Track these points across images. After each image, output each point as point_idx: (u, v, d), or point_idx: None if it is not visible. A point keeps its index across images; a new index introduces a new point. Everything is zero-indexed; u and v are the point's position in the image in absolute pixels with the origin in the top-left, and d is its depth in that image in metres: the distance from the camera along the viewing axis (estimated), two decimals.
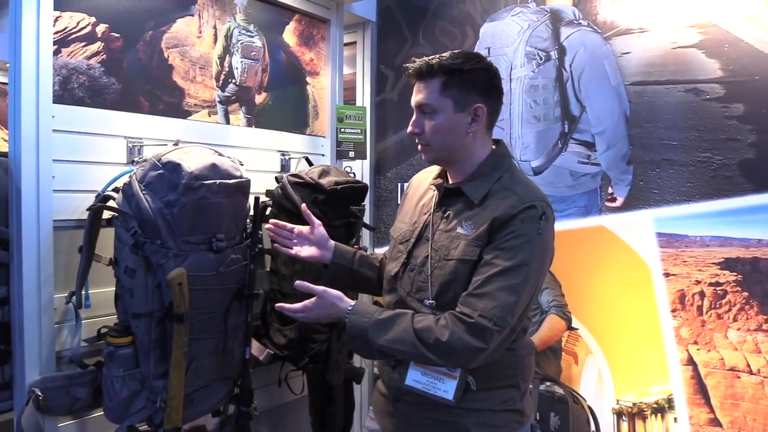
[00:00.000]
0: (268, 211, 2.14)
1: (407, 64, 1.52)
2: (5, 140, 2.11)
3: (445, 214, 1.52)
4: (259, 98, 2.35)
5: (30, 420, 1.60)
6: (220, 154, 1.75)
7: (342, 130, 2.61)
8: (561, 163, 2.35)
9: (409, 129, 1.53)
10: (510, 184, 1.47)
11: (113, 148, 1.86)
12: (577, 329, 2.33)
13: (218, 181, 1.66)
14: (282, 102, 2.45)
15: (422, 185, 1.65)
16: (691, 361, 2.09)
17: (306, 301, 1.50)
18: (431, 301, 1.47)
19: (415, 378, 1.48)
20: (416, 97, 1.51)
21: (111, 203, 1.68)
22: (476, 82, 1.46)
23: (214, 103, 2.18)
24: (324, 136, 2.65)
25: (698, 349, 2.08)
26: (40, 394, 1.63)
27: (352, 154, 2.63)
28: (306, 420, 2.33)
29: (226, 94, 2.22)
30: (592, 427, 2.30)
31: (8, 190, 1.67)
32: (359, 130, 2.64)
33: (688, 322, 2.10)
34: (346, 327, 1.47)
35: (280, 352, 2.14)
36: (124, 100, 1.90)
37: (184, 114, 2.08)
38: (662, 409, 2.15)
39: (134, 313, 1.64)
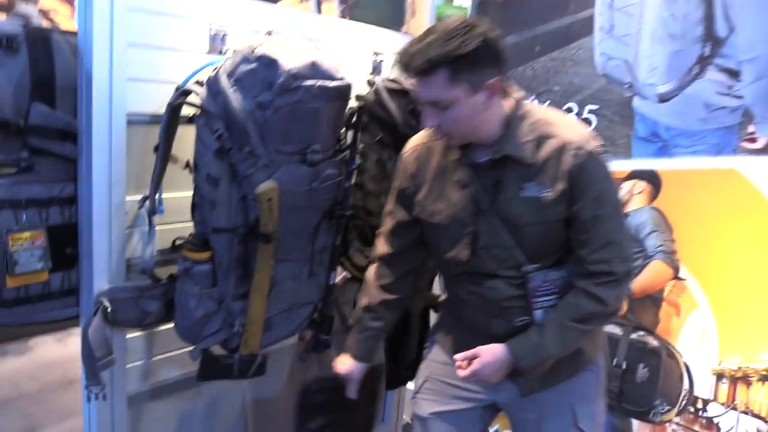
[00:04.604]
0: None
1: (398, 58, 1.37)
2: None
3: (496, 183, 1.45)
4: None
5: (98, 332, 1.47)
6: (319, 50, 1.50)
7: None
8: (694, 91, 2.01)
9: (426, 125, 1.44)
10: (546, 129, 1.43)
11: (193, 35, 1.61)
12: (684, 279, 2.10)
13: (318, 83, 1.42)
14: None
15: (433, 157, 1.54)
16: None
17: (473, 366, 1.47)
18: (528, 266, 1.47)
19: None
20: (424, 94, 1.38)
21: (193, 98, 1.46)
22: (481, 58, 1.34)
23: None
24: None
25: None
26: (108, 305, 1.48)
27: None
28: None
29: None
30: (685, 384, 2.11)
31: (78, 75, 1.44)
32: None
33: None
34: (524, 371, 1.47)
35: (359, 273, 1.97)
36: None
37: None
38: None
39: (215, 228, 1.46)
